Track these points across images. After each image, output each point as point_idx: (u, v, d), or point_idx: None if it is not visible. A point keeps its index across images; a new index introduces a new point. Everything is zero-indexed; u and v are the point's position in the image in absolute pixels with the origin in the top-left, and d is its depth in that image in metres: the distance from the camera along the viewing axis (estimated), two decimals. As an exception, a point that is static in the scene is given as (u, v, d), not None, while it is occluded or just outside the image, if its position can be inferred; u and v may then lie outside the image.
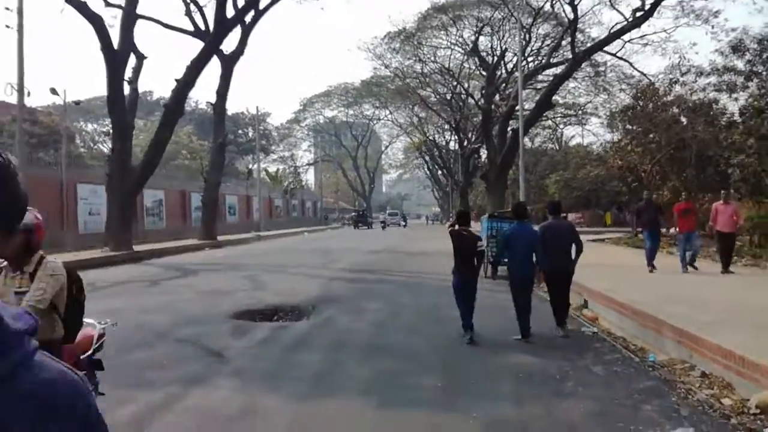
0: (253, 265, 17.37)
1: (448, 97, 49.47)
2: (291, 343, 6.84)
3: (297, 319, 8.62)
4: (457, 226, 7.31)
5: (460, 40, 36.24)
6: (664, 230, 23.46)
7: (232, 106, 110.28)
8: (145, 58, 23.79)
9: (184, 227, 34.39)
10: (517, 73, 33.33)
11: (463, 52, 31.11)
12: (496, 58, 27.71)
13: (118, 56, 20.64)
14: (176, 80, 21.63)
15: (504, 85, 32.00)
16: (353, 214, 68.11)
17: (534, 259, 7.17)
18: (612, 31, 23.06)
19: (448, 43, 39.86)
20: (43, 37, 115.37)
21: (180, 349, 6.55)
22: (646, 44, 29.07)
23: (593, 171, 40.37)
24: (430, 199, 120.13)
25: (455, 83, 45.18)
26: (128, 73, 22.81)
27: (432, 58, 42.42)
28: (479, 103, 26.75)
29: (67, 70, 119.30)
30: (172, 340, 7.07)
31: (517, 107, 21.44)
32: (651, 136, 23.90)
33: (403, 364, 5.93)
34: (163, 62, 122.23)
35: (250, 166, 75.32)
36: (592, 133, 55.96)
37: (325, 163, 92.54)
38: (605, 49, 24.57)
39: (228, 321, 8.33)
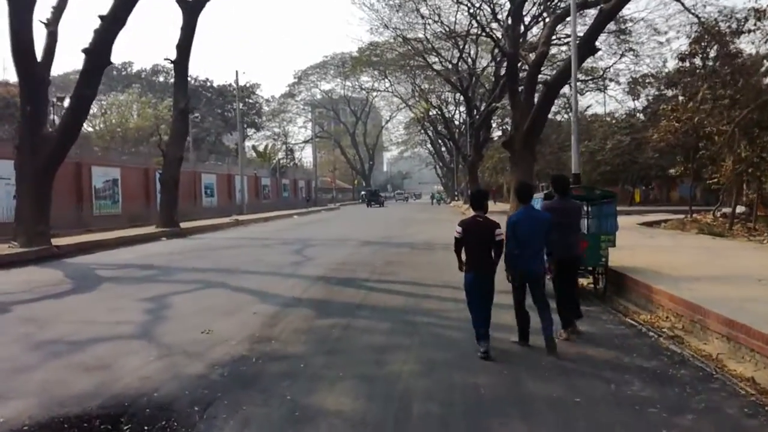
0: (191, 271, 12.11)
1: (455, 61, 43.81)
2: None
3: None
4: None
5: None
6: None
7: (219, 78, 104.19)
8: (71, -6, 18.41)
9: (148, 211, 29.05)
10: (545, 18, 27.66)
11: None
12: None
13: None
14: (100, 17, 16.14)
15: (525, 37, 26.40)
16: (363, 192, 69.73)
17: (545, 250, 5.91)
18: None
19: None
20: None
21: None
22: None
23: (626, 140, 35.00)
24: (433, 177, 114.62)
25: (463, 42, 39.53)
26: (47, 14, 17.51)
27: (437, 18, 36.66)
28: (504, 47, 21.07)
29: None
30: None
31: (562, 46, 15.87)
32: (721, 91, 18.36)
33: None
34: (148, 31, 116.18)
35: (244, 143, 69.75)
36: (616, 100, 50.01)
37: (322, 141, 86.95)
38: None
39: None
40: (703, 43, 20.51)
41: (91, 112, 58.42)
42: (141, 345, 6.12)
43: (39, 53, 16.81)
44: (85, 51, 16.18)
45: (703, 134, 19.90)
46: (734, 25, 17.61)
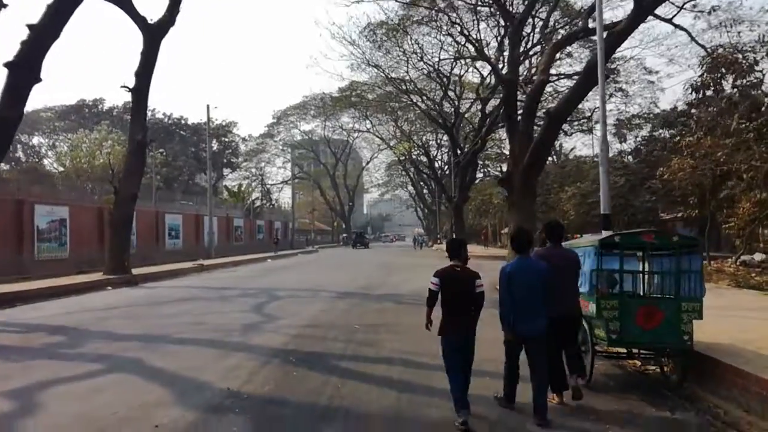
0: (108, 339, 9.25)
1: (439, 99, 42.11)
2: None
3: None
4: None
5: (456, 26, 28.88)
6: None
7: (194, 116, 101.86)
8: (5, 6, 15.94)
9: (101, 255, 25.98)
10: (530, 54, 25.79)
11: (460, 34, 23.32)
12: (521, 13, 19.77)
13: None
14: (29, 26, 13.64)
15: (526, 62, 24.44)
16: (344, 235, 75.67)
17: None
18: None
19: (438, 36, 32.62)
20: None
21: None
22: (698, 14, 21.71)
23: (621, 181, 32.99)
24: (413, 219, 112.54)
25: (447, 80, 37.93)
26: None
27: (419, 56, 34.98)
28: (501, 73, 18.83)
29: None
30: None
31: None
32: (744, 124, 16.31)
33: None
34: (121, 67, 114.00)
35: (218, 183, 66.49)
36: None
37: (301, 182, 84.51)
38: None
39: None
40: (716, 74, 18.70)
41: (61, 150, 55.73)
42: None
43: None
44: (8, 65, 13.56)
45: (722, 172, 17.82)
46: (762, 52, 15.67)
